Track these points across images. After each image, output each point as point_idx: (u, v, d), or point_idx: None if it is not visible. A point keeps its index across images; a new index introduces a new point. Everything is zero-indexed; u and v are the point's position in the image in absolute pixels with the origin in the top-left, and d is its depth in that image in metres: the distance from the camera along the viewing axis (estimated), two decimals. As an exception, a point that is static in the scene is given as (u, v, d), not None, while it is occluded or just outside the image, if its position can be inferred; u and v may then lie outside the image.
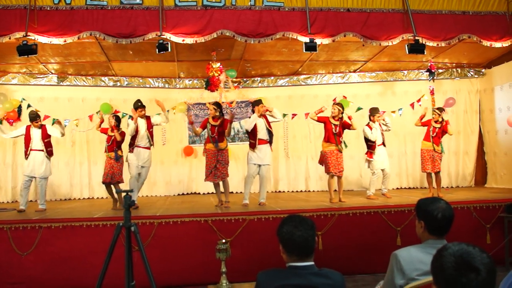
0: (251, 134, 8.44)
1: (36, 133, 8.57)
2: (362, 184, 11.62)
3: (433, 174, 9.35)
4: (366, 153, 9.31)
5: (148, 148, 8.68)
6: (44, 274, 6.58)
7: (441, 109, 9.32)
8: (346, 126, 8.77)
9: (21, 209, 8.28)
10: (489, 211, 7.54)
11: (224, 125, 8.29)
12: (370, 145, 9.20)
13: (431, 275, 1.80)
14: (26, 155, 8.53)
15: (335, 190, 8.80)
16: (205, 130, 8.45)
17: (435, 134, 9.15)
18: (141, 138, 8.61)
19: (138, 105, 8.65)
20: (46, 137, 8.61)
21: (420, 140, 9.95)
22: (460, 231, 7.06)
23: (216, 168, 8.25)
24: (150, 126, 8.72)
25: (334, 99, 11.56)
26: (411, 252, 2.85)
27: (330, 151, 8.63)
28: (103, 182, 8.72)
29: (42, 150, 8.52)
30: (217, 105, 8.46)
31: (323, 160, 8.85)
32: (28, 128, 8.63)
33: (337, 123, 8.68)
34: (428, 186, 9.62)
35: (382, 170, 9.34)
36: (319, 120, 8.83)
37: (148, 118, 8.77)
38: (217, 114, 8.29)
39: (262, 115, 8.45)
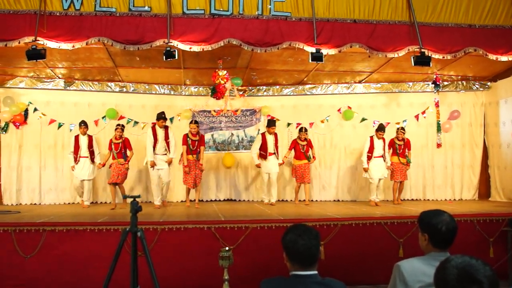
0: (262, 148, 10.39)
1: (83, 142, 10.21)
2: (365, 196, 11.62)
3: (399, 183, 10.62)
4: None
5: (165, 155, 9.98)
6: (47, 277, 6.60)
7: (403, 129, 10.74)
8: (310, 145, 10.72)
9: (86, 205, 10.14)
10: (493, 225, 7.52)
11: (201, 140, 10.08)
12: (368, 155, 10.36)
13: (434, 287, 1.81)
14: (76, 161, 10.12)
15: (300, 200, 10.78)
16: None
17: (401, 150, 10.52)
18: (160, 147, 9.87)
19: (162, 117, 9.96)
20: (91, 146, 10.25)
21: (424, 152, 11.64)
22: (463, 244, 7.02)
23: (196, 176, 9.86)
24: (167, 137, 9.97)
25: (339, 110, 11.70)
26: (414, 263, 2.86)
27: (299, 165, 10.50)
28: (111, 183, 9.96)
29: (87, 157, 10.16)
30: (197, 122, 10.10)
31: (296, 174, 10.59)
32: (76, 138, 10.21)
33: (304, 143, 10.58)
34: (393, 193, 10.70)
35: (379, 179, 10.35)
36: (290, 149, 10.71)
37: (166, 129, 10.08)
38: (198, 130, 10.02)
39: (273, 133, 10.47)
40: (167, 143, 9.94)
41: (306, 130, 10.71)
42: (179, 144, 10.07)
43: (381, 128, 10.46)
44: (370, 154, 10.32)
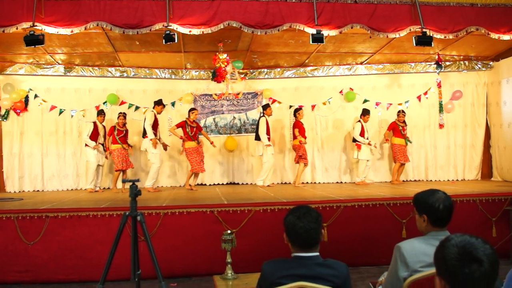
0: (267, 131, 10.47)
1: (102, 130, 10.55)
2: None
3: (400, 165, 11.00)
4: (356, 145, 10.86)
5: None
6: (50, 263, 6.64)
7: (404, 111, 11.15)
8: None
9: (96, 190, 10.42)
10: (495, 204, 7.52)
11: (198, 126, 10.49)
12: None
13: (435, 267, 1.81)
14: (94, 147, 10.32)
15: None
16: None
17: (405, 131, 10.99)
18: (158, 133, 10.23)
19: (163, 103, 10.39)
20: (105, 133, 10.56)
21: (426, 133, 11.81)
22: (465, 224, 7.08)
23: (201, 161, 10.21)
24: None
25: (341, 91, 11.69)
26: (414, 244, 2.86)
27: (302, 145, 10.59)
28: (119, 170, 10.20)
29: (102, 144, 10.51)
30: (195, 109, 10.45)
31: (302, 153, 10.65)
32: (95, 124, 10.44)
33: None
34: (393, 174, 11.07)
35: (368, 160, 10.89)
36: (300, 130, 10.64)
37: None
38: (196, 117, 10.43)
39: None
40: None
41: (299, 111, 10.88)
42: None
43: (368, 112, 10.99)
44: (362, 137, 10.78)
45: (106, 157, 10.59)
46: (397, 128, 10.94)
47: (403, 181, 11.18)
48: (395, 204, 7.29)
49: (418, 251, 2.80)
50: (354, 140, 10.91)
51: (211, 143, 10.47)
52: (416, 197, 3.04)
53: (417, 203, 3.01)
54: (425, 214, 2.91)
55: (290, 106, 11.70)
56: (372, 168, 11.36)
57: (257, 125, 10.75)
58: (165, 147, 10.44)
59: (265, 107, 10.82)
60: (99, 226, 6.74)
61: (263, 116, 10.67)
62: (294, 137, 10.68)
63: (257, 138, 10.62)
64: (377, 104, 11.67)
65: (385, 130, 11.30)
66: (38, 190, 10.92)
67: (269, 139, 10.51)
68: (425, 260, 2.73)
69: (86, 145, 10.41)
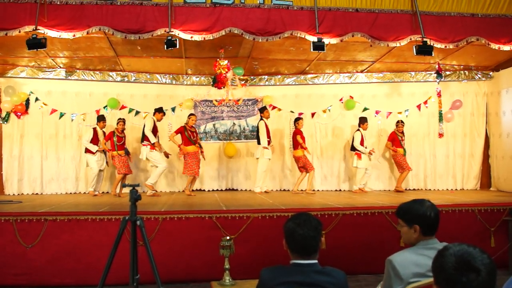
0: (268, 134, 10.43)
1: (101, 135, 10.53)
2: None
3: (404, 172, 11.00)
4: (356, 154, 10.85)
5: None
6: (48, 267, 6.62)
7: (403, 121, 11.15)
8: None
9: (95, 194, 10.31)
10: (494, 214, 7.51)
11: (196, 132, 10.57)
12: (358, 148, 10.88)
13: (430, 277, 1.81)
14: (94, 153, 10.32)
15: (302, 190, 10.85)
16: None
17: (403, 142, 11.07)
18: (157, 139, 10.26)
19: (163, 111, 10.50)
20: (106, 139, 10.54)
21: (426, 142, 11.82)
22: (464, 233, 7.08)
23: (198, 165, 10.30)
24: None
25: (341, 99, 11.70)
26: (405, 256, 2.82)
27: (304, 156, 10.62)
28: (122, 173, 10.22)
29: (103, 150, 10.48)
30: (193, 115, 10.56)
31: (304, 163, 10.64)
32: (95, 130, 10.47)
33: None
34: (399, 182, 11.03)
35: (366, 169, 10.88)
36: (301, 137, 10.68)
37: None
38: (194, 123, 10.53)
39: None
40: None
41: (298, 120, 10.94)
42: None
43: (365, 120, 11.01)
44: (362, 146, 10.77)
45: (107, 163, 10.56)
46: (396, 138, 11.00)
47: (405, 189, 11.18)
48: (393, 213, 7.25)
49: (410, 262, 2.76)
50: (353, 149, 10.88)
51: (202, 153, 10.49)
52: (403, 209, 2.98)
53: (406, 215, 2.95)
54: (417, 224, 2.86)
55: (292, 112, 11.70)
56: (372, 176, 11.36)
57: (257, 128, 10.76)
58: (166, 155, 10.45)
59: (262, 109, 10.84)
60: (98, 230, 6.73)
61: (261, 119, 10.65)
62: (296, 146, 10.65)
63: (259, 141, 10.59)
64: (377, 112, 11.68)
65: (384, 139, 11.33)
66: (37, 193, 10.92)
67: (269, 142, 10.47)
68: (418, 271, 2.70)
69: (87, 150, 10.37)
